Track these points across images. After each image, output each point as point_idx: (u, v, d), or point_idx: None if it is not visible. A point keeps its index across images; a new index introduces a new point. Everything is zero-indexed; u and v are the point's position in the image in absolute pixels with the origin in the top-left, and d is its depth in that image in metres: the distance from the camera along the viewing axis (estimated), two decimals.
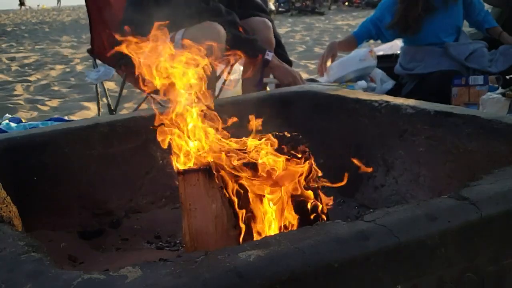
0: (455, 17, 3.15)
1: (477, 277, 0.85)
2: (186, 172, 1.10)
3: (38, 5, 56.01)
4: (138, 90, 4.05)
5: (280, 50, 2.65)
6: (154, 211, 1.58)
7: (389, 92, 3.15)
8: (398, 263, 0.78)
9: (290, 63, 2.64)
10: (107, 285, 0.65)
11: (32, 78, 5.84)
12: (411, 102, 1.54)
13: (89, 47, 2.97)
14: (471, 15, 3.24)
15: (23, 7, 42.59)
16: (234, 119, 1.20)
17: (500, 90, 2.49)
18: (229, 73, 2.80)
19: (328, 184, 1.14)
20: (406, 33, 3.12)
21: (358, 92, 1.92)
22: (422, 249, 0.79)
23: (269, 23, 2.58)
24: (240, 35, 2.34)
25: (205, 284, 0.65)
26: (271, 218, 1.08)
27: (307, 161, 1.11)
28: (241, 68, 2.83)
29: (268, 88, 2.56)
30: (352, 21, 11.68)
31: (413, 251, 0.78)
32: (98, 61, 3.00)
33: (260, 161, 1.06)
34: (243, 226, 1.06)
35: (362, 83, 3.21)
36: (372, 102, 1.60)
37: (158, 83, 1.10)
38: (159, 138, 1.10)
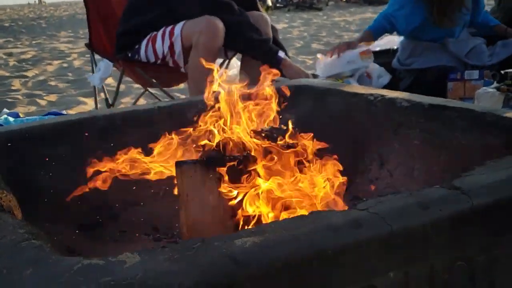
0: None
1: (468, 266, 0.86)
2: (183, 164, 1.12)
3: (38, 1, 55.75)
4: (136, 85, 4.06)
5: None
6: (152, 204, 1.59)
7: (386, 87, 3.16)
8: (390, 251, 0.79)
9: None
10: (107, 270, 0.66)
11: (29, 74, 5.83)
12: (406, 95, 1.55)
13: (87, 41, 2.97)
14: (476, 17, 3.23)
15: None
16: None
17: (495, 84, 2.50)
18: (226, 68, 2.81)
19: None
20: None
21: (354, 86, 1.94)
22: (414, 237, 0.81)
23: (267, 18, 2.59)
24: (254, 36, 2.32)
25: (202, 269, 0.67)
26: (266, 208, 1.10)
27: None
28: (239, 63, 2.84)
29: None
30: (350, 17, 11.66)
31: (405, 239, 0.80)
32: (96, 56, 3.00)
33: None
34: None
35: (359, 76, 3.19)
36: (367, 96, 1.61)
37: None
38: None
